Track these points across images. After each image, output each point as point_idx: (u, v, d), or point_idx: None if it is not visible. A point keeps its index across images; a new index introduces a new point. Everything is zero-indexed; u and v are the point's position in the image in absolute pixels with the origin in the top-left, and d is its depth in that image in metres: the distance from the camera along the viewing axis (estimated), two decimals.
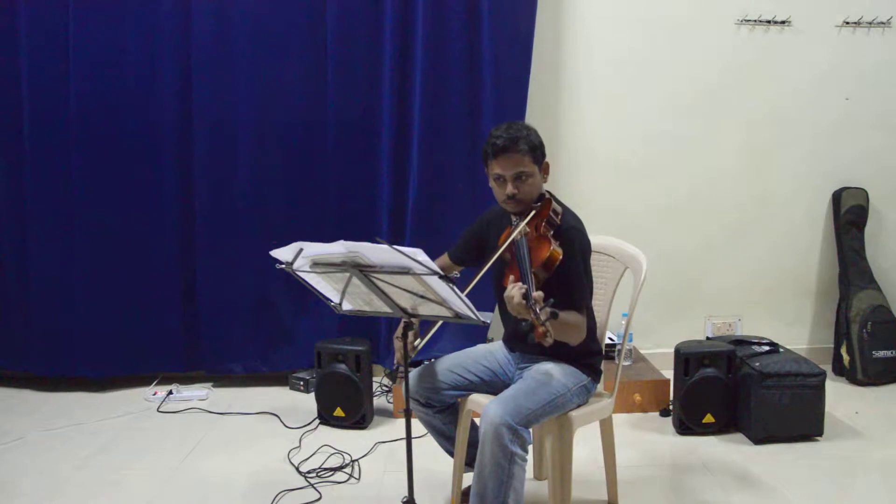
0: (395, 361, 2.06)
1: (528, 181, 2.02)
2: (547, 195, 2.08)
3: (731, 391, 2.91)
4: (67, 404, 3.37)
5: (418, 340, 2.06)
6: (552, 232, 1.99)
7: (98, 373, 3.53)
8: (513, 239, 1.95)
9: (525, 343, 2.17)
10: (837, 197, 3.66)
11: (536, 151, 2.04)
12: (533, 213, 2.00)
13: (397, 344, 2.01)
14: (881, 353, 3.49)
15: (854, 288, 3.57)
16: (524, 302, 1.72)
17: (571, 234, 2.02)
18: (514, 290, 1.75)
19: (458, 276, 2.05)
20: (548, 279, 1.91)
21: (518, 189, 2.01)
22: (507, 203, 2.05)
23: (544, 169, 2.09)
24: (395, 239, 3.40)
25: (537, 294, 1.73)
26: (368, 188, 3.49)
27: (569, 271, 1.97)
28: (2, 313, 3.52)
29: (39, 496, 2.50)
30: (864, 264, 3.62)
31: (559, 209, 2.06)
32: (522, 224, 1.97)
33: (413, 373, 2.19)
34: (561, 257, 1.92)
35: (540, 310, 1.68)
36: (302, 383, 3.48)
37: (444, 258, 2.34)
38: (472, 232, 2.30)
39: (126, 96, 3.41)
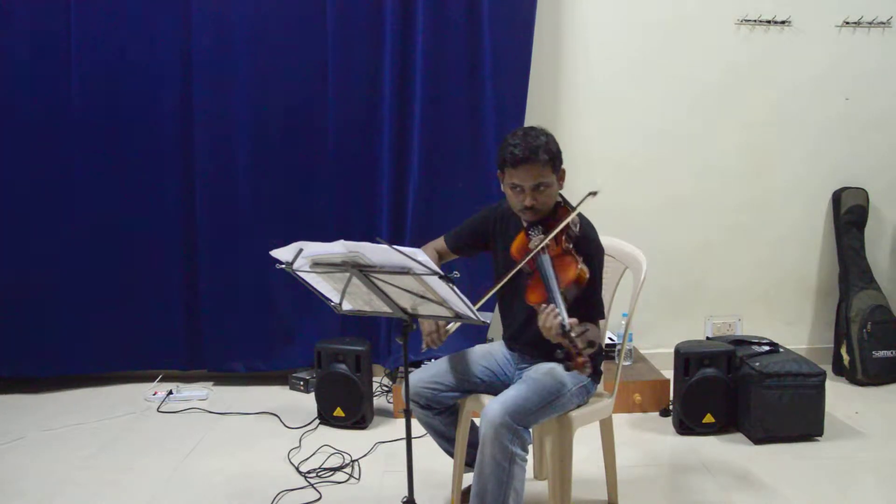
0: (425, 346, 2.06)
1: (545, 191, 1.98)
2: (561, 202, 2.06)
3: (731, 391, 2.91)
4: (67, 404, 3.37)
5: (451, 325, 2.03)
6: (572, 244, 1.96)
7: (99, 370, 3.54)
8: (535, 254, 1.92)
9: (526, 345, 2.18)
10: (837, 197, 3.65)
11: (556, 160, 2.00)
12: (555, 231, 1.94)
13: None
14: (881, 353, 3.49)
15: (854, 288, 3.57)
16: (560, 329, 1.71)
17: (592, 248, 2.01)
18: (549, 319, 1.74)
19: (458, 276, 2.05)
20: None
21: (536, 200, 1.97)
22: (523, 212, 2.02)
23: (561, 176, 2.05)
24: (395, 239, 3.40)
25: (573, 321, 1.72)
26: (368, 188, 3.49)
27: (592, 287, 1.96)
28: (1, 313, 3.51)
29: (39, 496, 2.50)
30: (864, 264, 3.62)
31: (577, 219, 2.02)
32: (546, 241, 1.92)
33: (413, 374, 2.18)
34: (588, 276, 1.90)
35: (577, 337, 1.68)
36: (302, 383, 3.48)
37: (440, 242, 2.31)
38: (477, 224, 2.26)
39: (127, 95, 3.41)
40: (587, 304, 1.94)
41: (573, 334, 1.68)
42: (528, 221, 2.05)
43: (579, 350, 1.67)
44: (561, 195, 2.09)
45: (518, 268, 1.96)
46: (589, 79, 3.57)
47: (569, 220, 1.95)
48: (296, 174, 3.47)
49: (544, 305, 1.78)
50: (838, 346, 3.61)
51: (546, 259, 1.88)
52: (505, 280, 1.99)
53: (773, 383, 2.80)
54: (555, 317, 1.73)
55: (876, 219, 3.68)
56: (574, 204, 2.04)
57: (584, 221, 2.07)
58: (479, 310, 1.80)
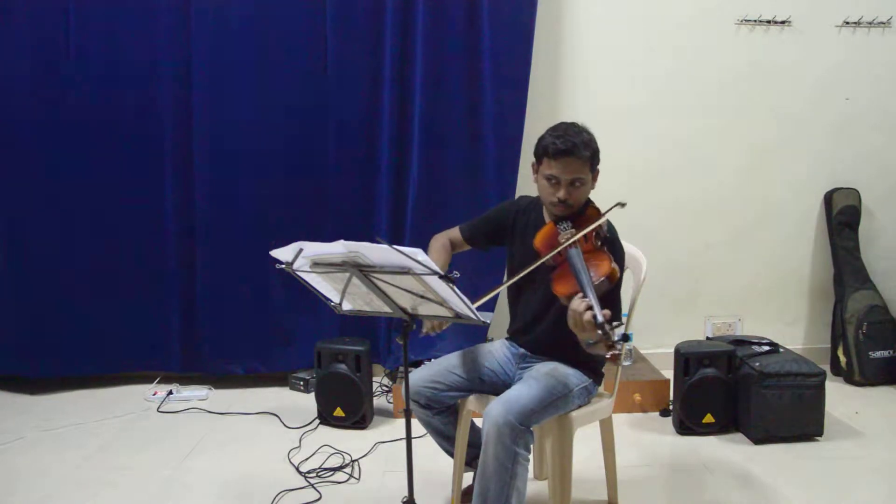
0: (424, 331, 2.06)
1: (581, 188, 2.01)
2: (591, 202, 2.08)
3: (731, 391, 2.91)
4: (67, 404, 3.37)
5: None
6: (600, 242, 1.97)
7: (99, 370, 3.54)
8: (565, 247, 1.92)
9: (533, 340, 2.18)
10: (829, 198, 3.65)
11: (594, 159, 2.04)
12: (588, 229, 1.95)
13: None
14: (878, 354, 3.49)
15: (849, 289, 3.57)
16: (593, 320, 1.68)
17: (618, 250, 2.02)
18: (581, 306, 1.71)
19: (458, 275, 2.04)
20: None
21: (570, 195, 2.00)
22: (555, 206, 2.03)
23: (595, 176, 2.08)
24: (395, 239, 3.40)
25: (606, 312, 1.69)
26: (368, 188, 3.48)
27: (619, 288, 1.97)
28: (1, 313, 3.51)
29: (39, 496, 2.50)
30: (858, 265, 3.61)
31: (606, 221, 2.05)
32: (578, 235, 1.93)
33: (413, 374, 2.18)
34: (619, 275, 1.89)
35: (611, 329, 1.65)
36: (302, 383, 3.48)
37: (455, 232, 2.32)
38: (496, 216, 2.27)
39: (126, 95, 3.40)
40: (612, 304, 1.89)
41: (608, 327, 1.65)
42: (555, 216, 2.05)
43: (613, 342, 1.64)
44: (589, 198, 2.10)
45: (544, 259, 1.93)
46: (587, 79, 3.56)
47: (601, 222, 1.97)
48: (295, 174, 3.46)
49: (578, 295, 1.76)
50: (835, 347, 3.61)
51: (577, 252, 1.86)
52: (530, 269, 1.96)
53: (773, 383, 2.81)
54: (588, 308, 1.70)
55: (869, 219, 3.67)
56: (600, 208, 2.06)
57: (610, 225, 2.09)
58: (481, 308, 1.80)
